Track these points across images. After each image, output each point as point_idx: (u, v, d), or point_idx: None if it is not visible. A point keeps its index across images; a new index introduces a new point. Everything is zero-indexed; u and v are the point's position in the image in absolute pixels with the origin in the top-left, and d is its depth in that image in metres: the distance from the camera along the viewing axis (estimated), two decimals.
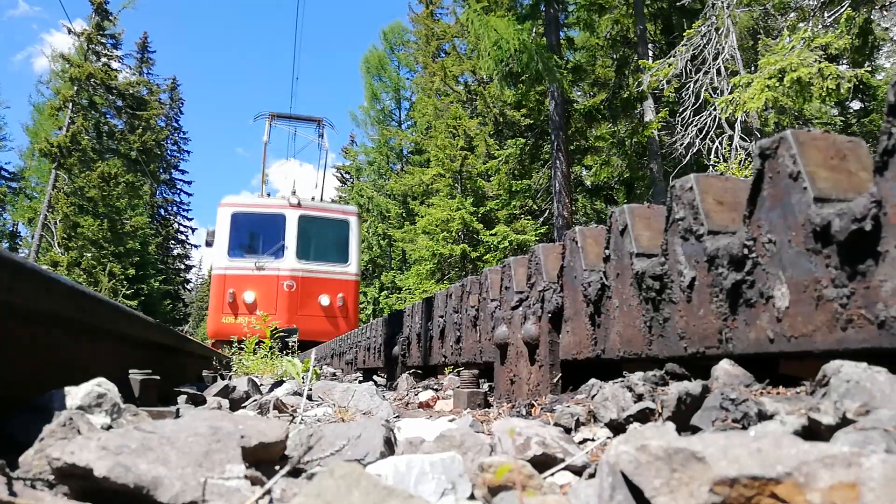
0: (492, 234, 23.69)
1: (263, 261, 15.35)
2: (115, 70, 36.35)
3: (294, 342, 12.24)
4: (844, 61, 14.10)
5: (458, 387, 2.81)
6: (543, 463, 1.21)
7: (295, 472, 1.17)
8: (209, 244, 16.40)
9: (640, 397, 1.49)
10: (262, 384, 4.00)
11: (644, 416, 1.42)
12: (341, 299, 15.85)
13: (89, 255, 32.01)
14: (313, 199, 18.01)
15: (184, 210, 49.48)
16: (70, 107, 32.89)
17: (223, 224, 15.65)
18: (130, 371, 2.12)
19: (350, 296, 16.11)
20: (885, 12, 14.97)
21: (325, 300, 15.57)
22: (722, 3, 14.67)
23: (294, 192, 16.27)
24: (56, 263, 29.93)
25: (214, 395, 2.76)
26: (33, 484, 1.00)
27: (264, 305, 14.73)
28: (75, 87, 33.32)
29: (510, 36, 16.07)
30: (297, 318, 14.76)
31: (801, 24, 14.70)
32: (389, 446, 1.38)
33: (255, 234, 16.12)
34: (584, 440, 1.50)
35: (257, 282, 15.17)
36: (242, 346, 7.92)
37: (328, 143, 18.86)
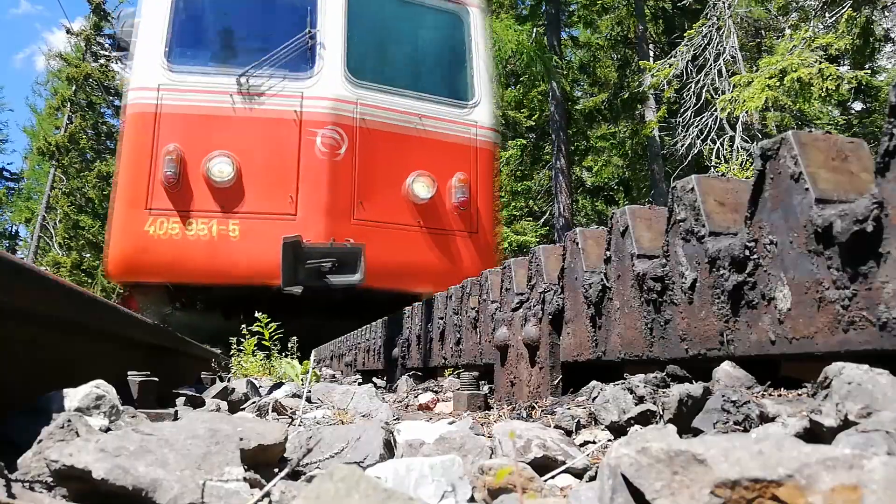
0: None
1: (260, 76, 6.70)
2: (114, 71, 36.42)
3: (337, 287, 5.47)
4: (846, 62, 14.12)
5: (458, 389, 2.79)
6: (544, 465, 1.21)
7: (294, 475, 1.16)
8: (121, 47, 7.89)
9: (641, 399, 1.49)
10: (260, 386, 3.99)
11: (645, 419, 1.42)
12: (462, 188, 7.11)
13: (89, 255, 32.03)
14: None
15: None
16: (68, 106, 32.95)
17: None
18: (129, 373, 2.11)
19: (483, 180, 7.36)
20: (886, 13, 14.98)
21: (421, 188, 6.95)
22: (723, 2, 14.68)
23: None
24: (58, 265, 29.90)
25: (213, 397, 2.75)
26: (32, 486, 1.00)
27: (263, 191, 6.58)
28: (73, 87, 33.37)
29: (508, 37, 16.09)
30: (353, 229, 6.47)
31: (802, 24, 14.72)
32: (389, 449, 1.38)
33: (234, 20, 7.38)
34: (585, 443, 1.50)
35: (243, 130, 6.62)
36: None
37: None
